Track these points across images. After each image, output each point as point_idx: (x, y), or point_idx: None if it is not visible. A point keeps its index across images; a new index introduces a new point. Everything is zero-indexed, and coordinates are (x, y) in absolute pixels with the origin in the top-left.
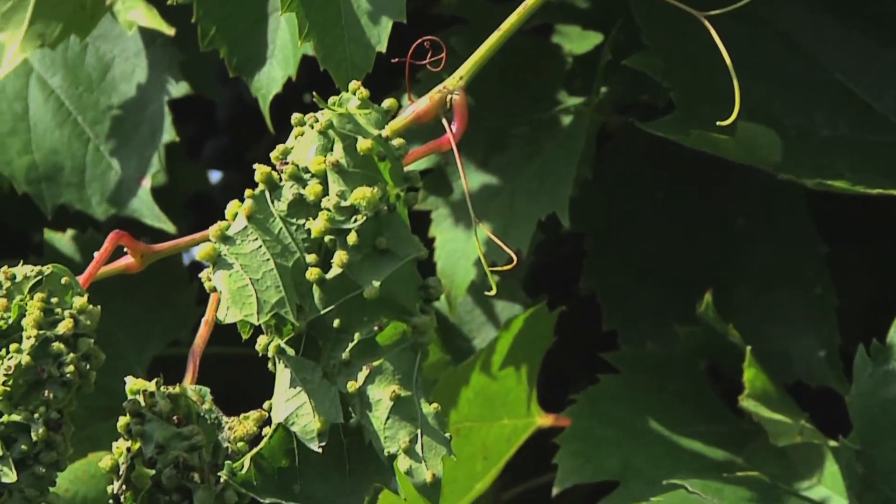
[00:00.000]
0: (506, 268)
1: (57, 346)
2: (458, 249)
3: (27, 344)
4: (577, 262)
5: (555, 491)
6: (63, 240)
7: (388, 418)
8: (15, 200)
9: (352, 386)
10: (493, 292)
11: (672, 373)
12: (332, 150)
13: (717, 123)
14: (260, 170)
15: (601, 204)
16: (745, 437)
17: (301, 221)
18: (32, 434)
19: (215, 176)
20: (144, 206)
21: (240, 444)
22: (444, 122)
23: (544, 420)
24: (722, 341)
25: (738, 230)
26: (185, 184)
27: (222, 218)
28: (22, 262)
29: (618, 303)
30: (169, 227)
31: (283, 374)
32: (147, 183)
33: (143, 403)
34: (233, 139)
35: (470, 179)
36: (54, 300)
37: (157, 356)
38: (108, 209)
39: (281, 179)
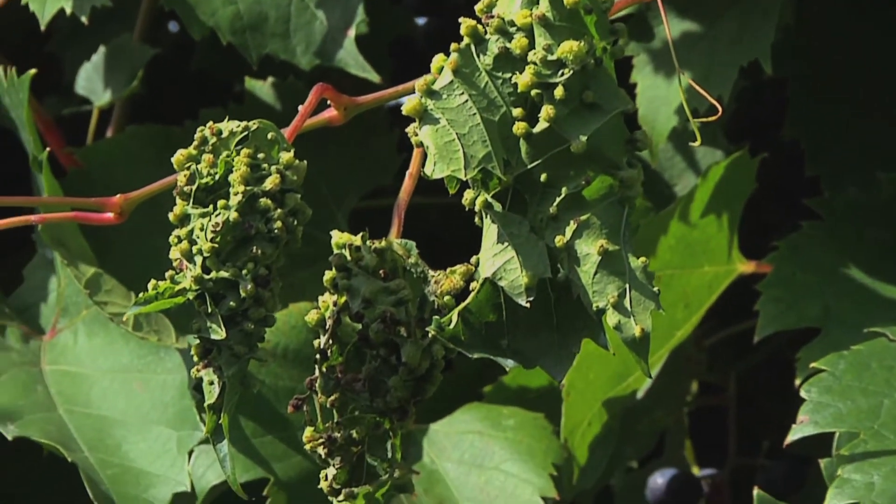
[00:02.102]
0: (709, 119)
1: (264, 201)
2: (660, 96)
3: (234, 200)
4: (779, 109)
5: (756, 338)
6: (264, 88)
7: (596, 273)
8: (216, 49)
9: (559, 240)
10: (697, 143)
11: (875, 219)
12: (538, 3)
13: None
14: (465, 23)
15: (804, 49)
16: None
17: (507, 75)
18: (241, 290)
19: (418, 22)
20: (349, 57)
21: (446, 299)
22: None
23: (746, 267)
24: None
25: None
26: (388, 30)
27: (424, 66)
28: (227, 117)
29: (820, 148)
30: (374, 76)
31: (490, 229)
32: (352, 33)
33: (349, 258)
34: None
35: (671, 26)
36: (261, 155)
37: (359, 208)
38: (313, 60)
39: (486, 33)
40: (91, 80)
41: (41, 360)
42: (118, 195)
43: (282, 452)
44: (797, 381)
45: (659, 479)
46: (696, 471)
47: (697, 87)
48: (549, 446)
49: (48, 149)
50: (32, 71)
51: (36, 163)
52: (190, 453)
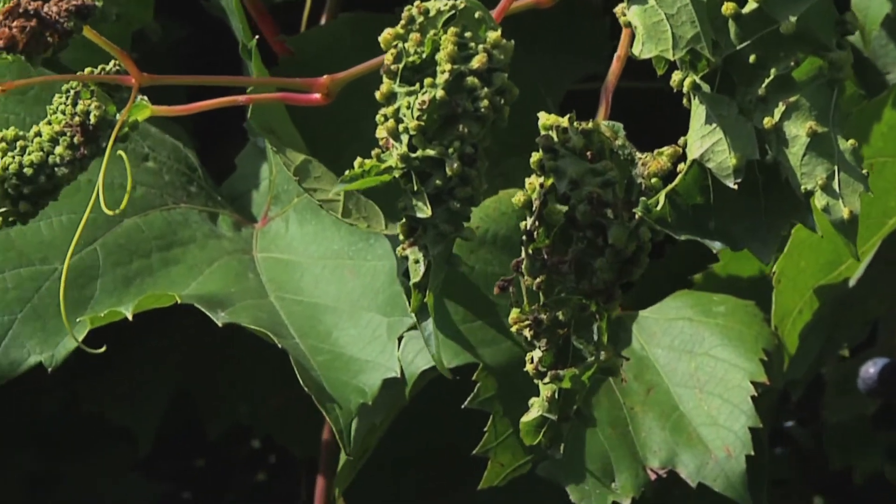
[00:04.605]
0: None
1: (471, 80)
2: None
3: (441, 78)
4: None
5: None
6: None
7: (804, 154)
8: None
9: (768, 122)
10: None
11: None
12: None
13: None
14: None
15: None
16: None
17: None
18: (447, 169)
19: None
20: None
21: (653, 181)
22: None
23: None
24: None
25: None
26: None
27: None
28: None
29: None
30: None
31: (697, 110)
32: None
33: (556, 139)
34: None
35: None
36: (468, 34)
37: (569, 91)
38: None
39: None
40: None
41: (253, 247)
42: (325, 76)
43: (491, 338)
44: None
45: (871, 369)
46: None
47: None
48: (759, 333)
49: (257, 37)
50: None
51: (245, 50)
52: (400, 339)
